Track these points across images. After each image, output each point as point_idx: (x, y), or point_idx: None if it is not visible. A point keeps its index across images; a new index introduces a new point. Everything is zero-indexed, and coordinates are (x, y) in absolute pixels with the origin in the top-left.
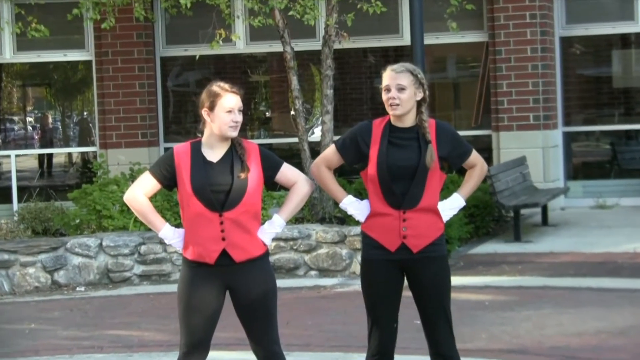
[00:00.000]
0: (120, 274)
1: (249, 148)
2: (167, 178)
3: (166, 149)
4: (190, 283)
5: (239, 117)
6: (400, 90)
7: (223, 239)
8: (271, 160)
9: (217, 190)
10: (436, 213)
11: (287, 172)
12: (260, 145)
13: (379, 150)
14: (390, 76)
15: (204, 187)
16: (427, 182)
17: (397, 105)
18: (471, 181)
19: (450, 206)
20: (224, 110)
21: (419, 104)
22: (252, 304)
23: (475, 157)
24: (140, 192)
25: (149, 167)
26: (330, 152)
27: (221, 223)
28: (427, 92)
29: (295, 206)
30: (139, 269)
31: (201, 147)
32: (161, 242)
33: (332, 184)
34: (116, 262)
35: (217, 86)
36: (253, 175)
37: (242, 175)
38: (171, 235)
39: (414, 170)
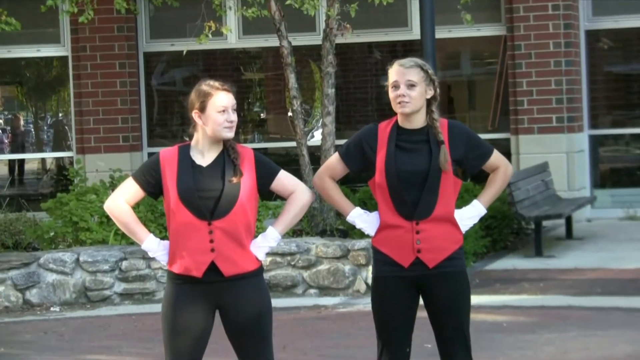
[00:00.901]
0: (99, 293)
1: (242, 152)
2: (152, 185)
3: (150, 154)
4: (176, 301)
5: (234, 117)
6: (410, 87)
7: (212, 250)
8: (267, 167)
9: (205, 197)
10: (453, 223)
11: (284, 180)
12: (255, 150)
13: (386, 155)
14: (398, 71)
15: (192, 192)
16: (441, 189)
17: (407, 102)
18: (494, 185)
19: (470, 214)
20: (217, 110)
21: (429, 102)
22: (245, 325)
23: (497, 157)
24: (122, 200)
25: (132, 172)
26: (333, 161)
27: (210, 232)
28: (438, 90)
29: (293, 217)
30: (119, 287)
31: (190, 151)
32: (144, 257)
33: (338, 196)
34: (95, 279)
35: (207, 85)
36: (246, 182)
37: (234, 180)
38: (155, 247)
39: (425, 175)
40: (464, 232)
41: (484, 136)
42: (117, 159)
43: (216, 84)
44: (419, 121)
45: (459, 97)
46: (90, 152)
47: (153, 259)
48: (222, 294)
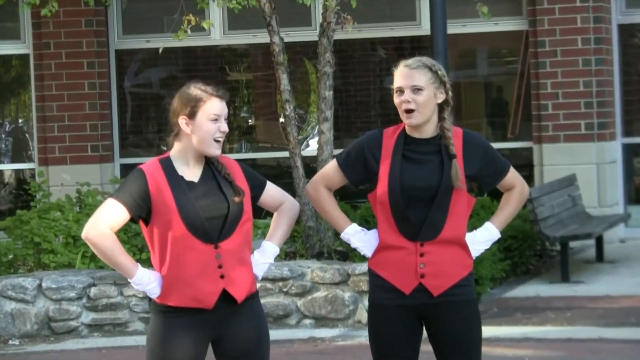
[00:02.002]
0: (65, 324)
1: (229, 165)
2: (141, 207)
3: (123, 167)
4: (168, 336)
5: (226, 127)
6: (416, 92)
7: (222, 277)
8: (256, 179)
9: (211, 217)
10: (463, 246)
11: (273, 191)
12: (238, 161)
13: (390, 167)
14: (403, 74)
15: (197, 213)
16: (451, 207)
17: (413, 111)
18: (508, 207)
19: (482, 238)
20: (209, 117)
21: (441, 108)
22: (244, 354)
23: (513, 176)
24: (107, 227)
25: (114, 193)
26: (330, 169)
27: (218, 257)
28: (450, 94)
29: (287, 230)
30: (87, 317)
31: (173, 165)
32: (116, 283)
33: (333, 209)
34: (59, 308)
35: (198, 89)
36: (246, 196)
37: (237, 199)
38: (147, 280)
39: (435, 192)
40: (474, 257)
41: (502, 145)
42: (85, 171)
43: (209, 88)
44: (429, 130)
45: (474, 100)
46: (54, 163)
47: (125, 285)
48: (222, 322)
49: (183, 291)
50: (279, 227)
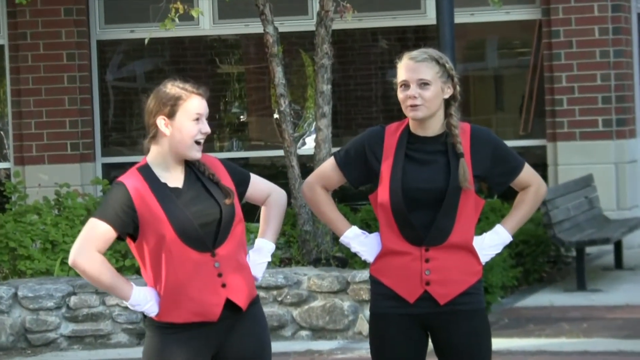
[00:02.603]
0: (42, 335)
1: (210, 163)
2: (127, 224)
3: (105, 166)
4: (169, 355)
5: (208, 128)
6: (423, 86)
7: (223, 285)
8: (240, 173)
9: (204, 223)
10: (471, 251)
11: (258, 183)
12: (222, 159)
13: (392, 167)
14: (408, 67)
15: (189, 222)
16: (459, 210)
17: (419, 106)
18: (522, 208)
19: (492, 242)
20: (191, 117)
21: (448, 103)
22: None
23: (528, 173)
24: (95, 251)
25: (95, 212)
26: (328, 168)
27: (216, 265)
28: (458, 88)
29: (280, 223)
30: (67, 328)
31: (152, 171)
32: (98, 291)
33: (330, 211)
34: (37, 318)
35: (177, 86)
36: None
37: (228, 202)
38: (144, 299)
39: (441, 194)
40: (483, 264)
41: (514, 143)
42: (65, 171)
43: (188, 86)
44: (434, 127)
45: (482, 95)
46: (31, 162)
47: (108, 293)
48: (227, 331)
49: (185, 306)
50: (271, 221)
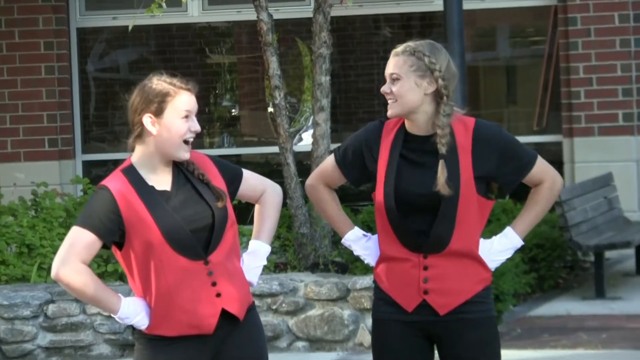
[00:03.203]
0: (18, 346)
1: (200, 162)
2: (113, 232)
3: (86, 164)
4: None
5: (198, 126)
6: (394, 81)
7: (218, 295)
8: (231, 171)
9: (196, 228)
10: (476, 258)
11: (251, 180)
12: (211, 156)
13: (386, 168)
14: (388, 61)
15: (180, 228)
16: (459, 215)
17: (391, 102)
18: (534, 208)
19: (501, 247)
20: (180, 114)
21: (437, 100)
22: None
23: (541, 168)
24: (78, 263)
25: (78, 220)
26: (328, 166)
27: (210, 274)
28: (441, 82)
29: (275, 222)
30: (45, 338)
31: (138, 173)
32: (78, 299)
33: (333, 210)
34: (12, 328)
35: (164, 81)
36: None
37: (220, 204)
38: (133, 312)
39: (437, 199)
40: (493, 270)
41: (527, 139)
42: (42, 169)
43: (175, 80)
44: (423, 125)
45: (493, 87)
46: (5, 160)
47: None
48: (223, 340)
49: (177, 319)
50: (266, 221)
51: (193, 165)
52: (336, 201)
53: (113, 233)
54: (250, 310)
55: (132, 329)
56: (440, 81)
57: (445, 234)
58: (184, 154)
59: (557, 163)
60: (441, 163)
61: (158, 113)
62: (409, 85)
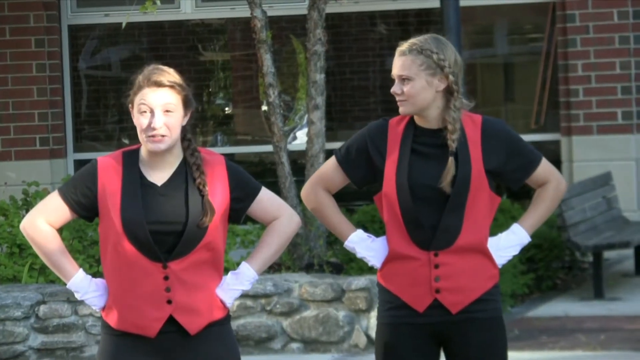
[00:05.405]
0: (9, 348)
1: (212, 166)
2: (84, 206)
3: (78, 163)
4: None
5: (159, 123)
6: (404, 82)
7: (169, 302)
8: (245, 187)
9: (161, 231)
10: (485, 254)
11: (266, 202)
12: (231, 165)
13: (398, 162)
14: (394, 62)
15: (141, 226)
16: (468, 209)
17: (403, 101)
18: (541, 206)
19: (508, 243)
20: (138, 109)
21: (447, 96)
22: None
23: (546, 169)
24: (42, 221)
25: (61, 187)
26: (329, 168)
27: (166, 278)
28: (452, 78)
29: (275, 253)
30: (36, 339)
31: (139, 161)
32: (70, 300)
33: (335, 214)
34: (2, 329)
35: (141, 73)
36: (217, 204)
37: (202, 223)
38: (86, 287)
39: (446, 192)
40: (500, 266)
41: (525, 137)
42: (33, 168)
43: (149, 73)
44: (434, 120)
45: (491, 85)
46: None
47: (81, 302)
48: (176, 350)
49: (123, 313)
50: (265, 248)
51: (199, 174)
52: (335, 205)
53: (84, 207)
54: (219, 324)
55: (101, 317)
56: (450, 77)
57: (454, 226)
58: (151, 146)
59: (556, 162)
60: (450, 160)
61: (131, 103)
62: (420, 85)
